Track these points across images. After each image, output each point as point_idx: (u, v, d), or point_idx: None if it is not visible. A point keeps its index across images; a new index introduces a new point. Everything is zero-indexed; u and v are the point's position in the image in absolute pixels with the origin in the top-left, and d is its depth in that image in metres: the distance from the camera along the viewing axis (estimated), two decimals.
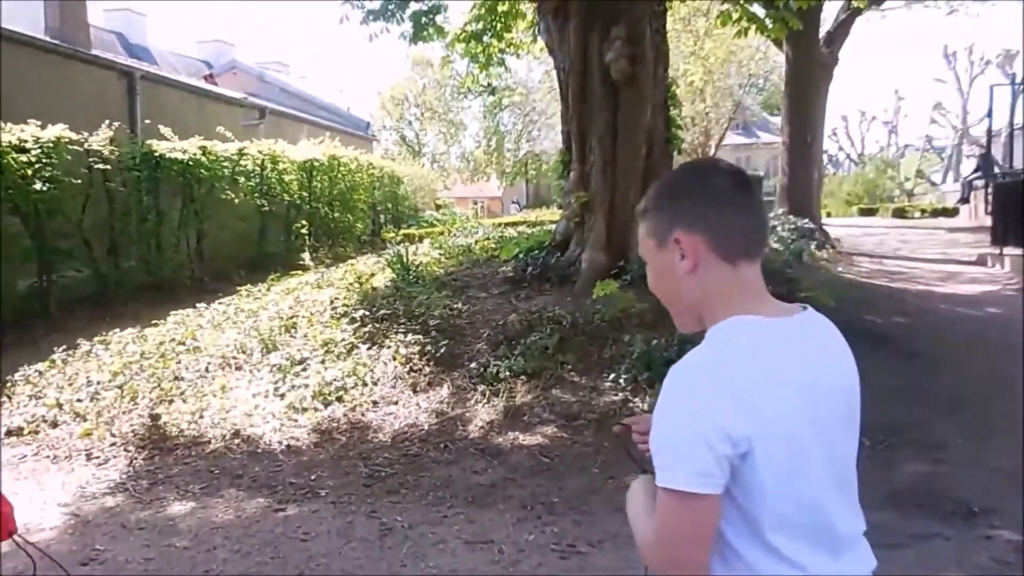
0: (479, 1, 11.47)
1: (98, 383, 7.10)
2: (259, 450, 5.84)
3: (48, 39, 14.52)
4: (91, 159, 11.19)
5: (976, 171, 21.65)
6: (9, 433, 6.40)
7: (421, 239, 15.16)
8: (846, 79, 63.54)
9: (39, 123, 10.44)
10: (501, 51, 12.26)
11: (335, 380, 6.69)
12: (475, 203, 44.59)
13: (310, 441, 5.92)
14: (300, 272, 12.54)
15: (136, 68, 16.77)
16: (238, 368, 7.30)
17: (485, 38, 11.77)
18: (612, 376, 6.34)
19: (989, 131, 21.95)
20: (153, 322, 9.09)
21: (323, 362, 7.08)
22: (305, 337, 7.72)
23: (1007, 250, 12.15)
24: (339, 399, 6.48)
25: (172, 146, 12.97)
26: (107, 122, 11.76)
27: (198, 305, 9.77)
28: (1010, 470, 4.90)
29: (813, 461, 1.35)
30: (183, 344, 8.02)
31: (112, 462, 5.83)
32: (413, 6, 10.62)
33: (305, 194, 17.37)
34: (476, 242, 11.72)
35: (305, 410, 6.33)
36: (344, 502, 4.97)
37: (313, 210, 17.75)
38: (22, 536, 2.61)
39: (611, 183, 8.40)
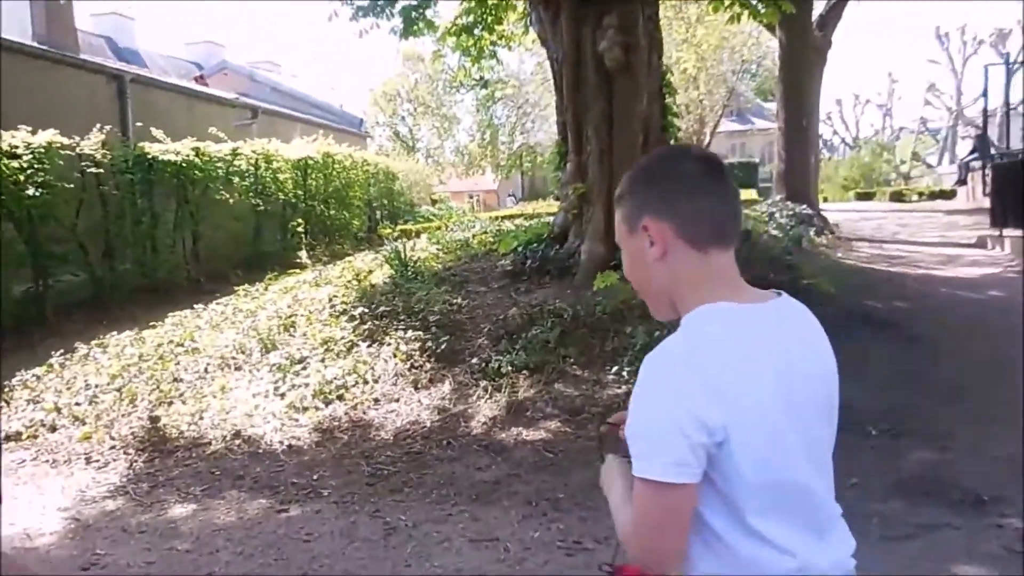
0: None
1: (96, 386, 7.06)
2: (260, 450, 5.79)
3: (36, 44, 14.44)
4: (83, 163, 11.16)
5: (973, 152, 21.61)
6: (8, 438, 6.35)
7: (418, 234, 15.11)
8: (839, 63, 63.69)
9: (30, 128, 10.39)
10: (493, 44, 12.17)
11: (335, 378, 6.64)
12: (471, 197, 44.49)
13: (311, 440, 5.87)
14: (297, 271, 12.48)
15: (126, 71, 16.68)
16: (237, 368, 7.25)
17: (476, 31, 11.69)
18: (615, 369, 6.29)
19: (985, 112, 21.88)
20: (150, 324, 9.04)
21: (323, 360, 7.03)
22: (304, 336, 7.66)
23: (1007, 231, 12.09)
24: (340, 397, 6.43)
25: (165, 148, 12.94)
26: (98, 126, 11.71)
27: (195, 306, 9.72)
28: (1017, 457, 4.83)
29: (790, 446, 1.36)
30: (181, 345, 7.97)
31: (112, 465, 5.77)
32: (403, 1, 10.54)
33: (300, 192, 17.32)
34: (474, 236, 11.67)
35: (306, 409, 6.28)
36: (347, 502, 4.92)
37: (309, 208, 17.70)
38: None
39: (608, 173, 8.33)
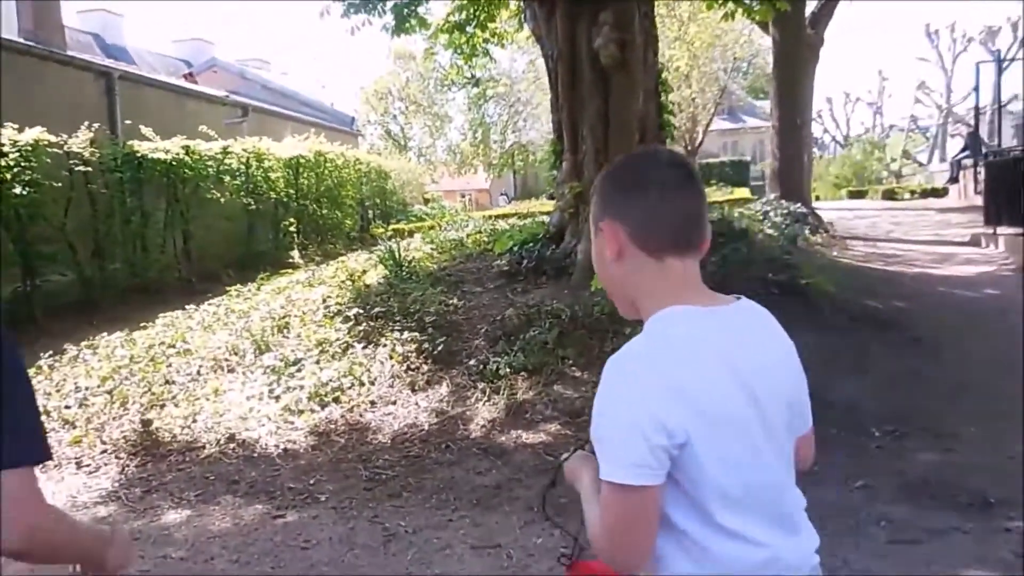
0: None
1: (87, 389, 6.92)
2: (255, 454, 5.69)
3: (23, 41, 14.28)
4: (71, 161, 11.05)
5: (964, 150, 21.58)
6: None
7: (411, 234, 15.01)
8: (829, 61, 63.73)
9: (16, 126, 10.26)
10: (485, 41, 12.10)
11: (331, 380, 6.53)
12: (463, 196, 44.37)
13: (307, 444, 5.78)
14: (290, 270, 12.38)
15: (114, 68, 16.54)
16: (230, 370, 7.14)
17: (469, 28, 11.60)
18: None
19: (976, 109, 21.89)
20: (141, 325, 8.90)
21: (318, 362, 6.92)
22: (298, 337, 7.56)
23: (1000, 229, 12.07)
24: (336, 400, 6.33)
25: (154, 146, 12.83)
26: (86, 123, 11.59)
27: (187, 306, 9.59)
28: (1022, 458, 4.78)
29: (756, 445, 1.38)
30: (173, 347, 7.85)
31: (103, 470, 5.66)
32: None
33: (292, 191, 17.22)
34: (468, 236, 11.58)
35: (301, 412, 6.18)
36: (345, 507, 4.83)
37: (301, 207, 17.61)
38: None
39: None
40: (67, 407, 6.62)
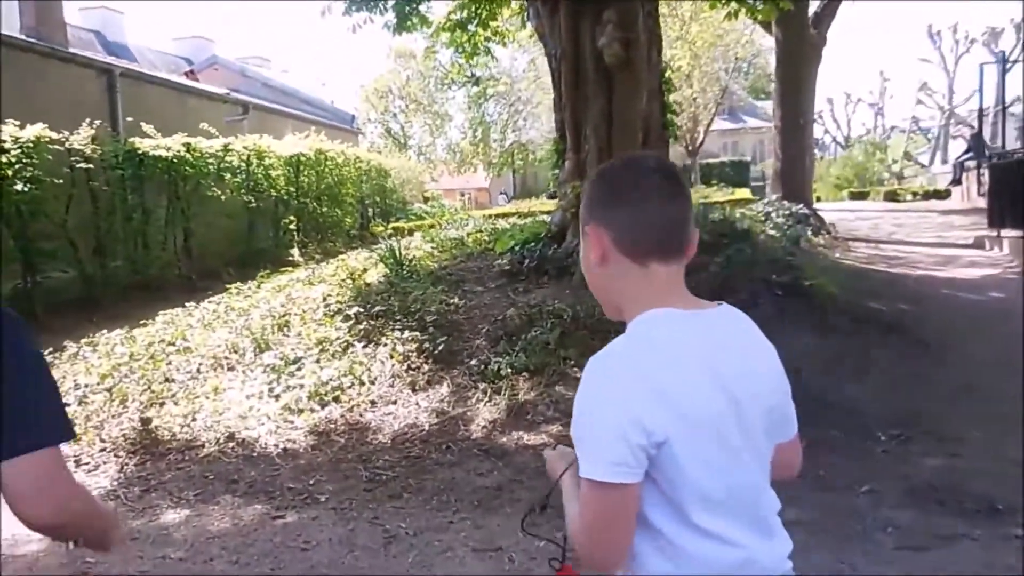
0: None
1: (86, 386, 6.89)
2: (255, 454, 5.66)
3: (24, 38, 14.26)
4: (73, 158, 11.05)
5: (967, 152, 21.52)
6: None
7: (411, 232, 14.98)
8: (830, 61, 63.64)
9: (18, 123, 10.24)
10: (487, 39, 12.06)
11: (331, 380, 6.50)
12: (462, 195, 44.39)
13: (307, 443, 5.74)
14: (290, 268, 12.32)
15: (115, 65, 16.52)
16: (230, 369, 7.10)
17: (470, 27, 11.57)
18: None
19: (980, 111, 21.76)
20: (141, 322, 8.87)
21: (318, 361, 6.88)
22: (299, 336, 7.52)
23: (1004, 232, 12.00)
24: (336, 399, 6.29)
25: (155, 143, 12.81)
26: (88, 120, 11.56)
27: (187, 304, 9.56)
28: None
29: (734, 448, 1.39)
30: (173, 344, 7.82)
31: (102, 468, 5.62)
32: None
33: (292, 189, 17.19)
34: (468, 235, 11.53)
35: (301, 411, 6.15)
36: (345, 508, 4.79)
37: (301, 205, 17.57)
38: None
39: None
40: (66, 404, 6.52)
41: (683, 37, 25.53)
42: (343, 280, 9.20)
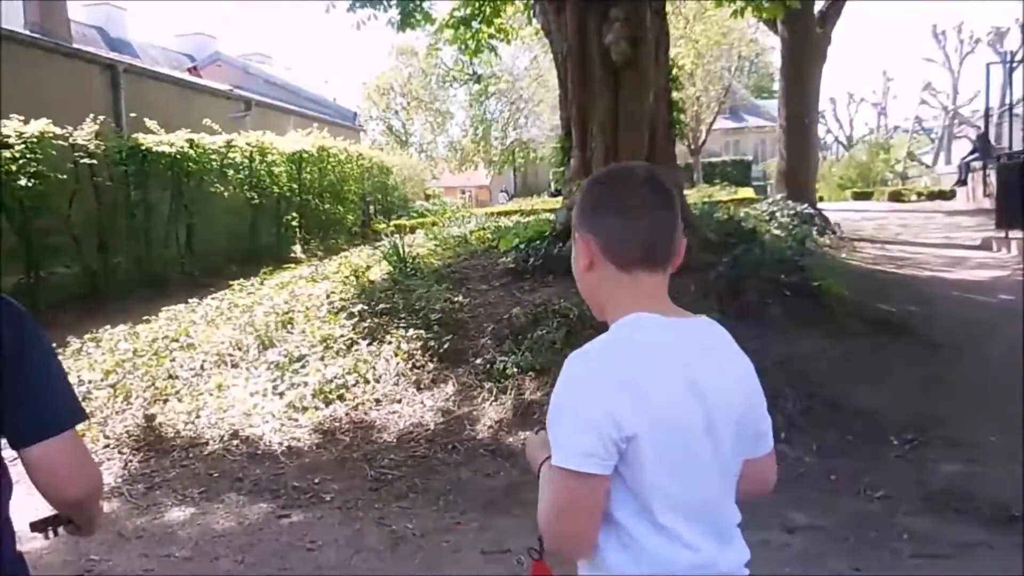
0: None
1: (90, 382, 6.83)
2: (259, 451, 5.62)
3: (29, 33, 14.24)
4: (76, 154, 11.04)
5: (973, 152, 21.39)
6: None
7: (413, 230, 14.91)
8: (834, 61, 63.41)
9: (22, 118, 10.21)
10: (490, 37, 12.00)
11: (336, 377, 6.45)
12: (463, 192, 44.27)
13: (312, 442, 5.70)
14: (292, 265, 12.27)
15: (119, 61, 16.50)
16: (234, 366, 7.06)
17: (474, 24, 11.51)
18: None
19: (986, 111, 21.64)
20: (145, 318, 8.81)
21: (322, 359, 6.83)
22: (303, 333, 7.47)
23: (1012, 233, 11.92)
24: (340, 397, 6.24)
25: (159, 139, 12.80)
26: (91, 116, 11.53)
27: (190, 300, 9.50)
28: None
29: (701, 456, 1.43)
30: (176, 341, 7.76)
31: (106, 465, 5.56)
32: None
33: (295, 186, 17.16)
34: (471, 232, 11.47)
35: (305, 409, 6.10)
36: (351, 507, 4.76)
37: (303, 202, 17.55)
38: None
39: None
40: None
41: (687, 36, 25.46)
42: (346, 277, 9.15)
